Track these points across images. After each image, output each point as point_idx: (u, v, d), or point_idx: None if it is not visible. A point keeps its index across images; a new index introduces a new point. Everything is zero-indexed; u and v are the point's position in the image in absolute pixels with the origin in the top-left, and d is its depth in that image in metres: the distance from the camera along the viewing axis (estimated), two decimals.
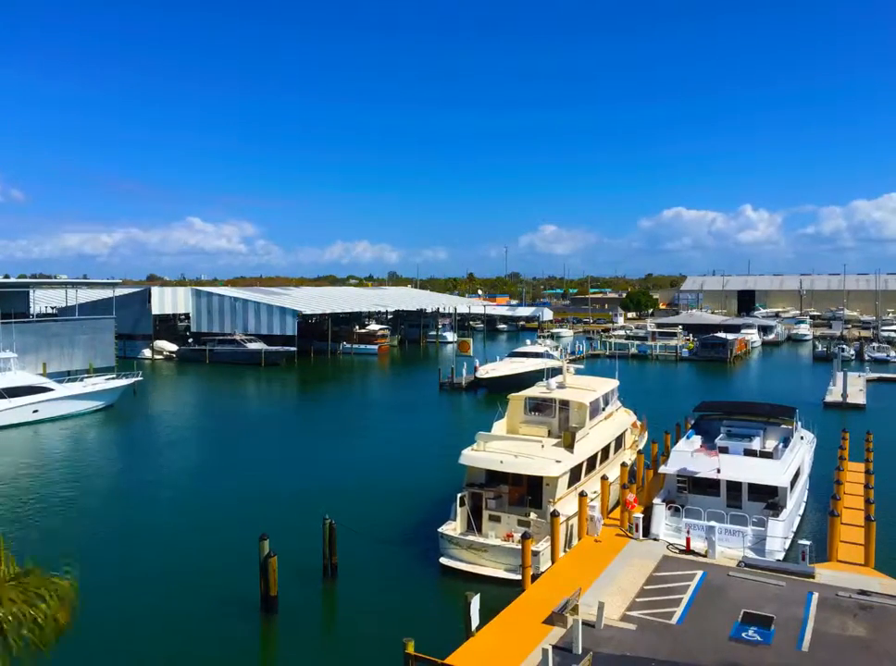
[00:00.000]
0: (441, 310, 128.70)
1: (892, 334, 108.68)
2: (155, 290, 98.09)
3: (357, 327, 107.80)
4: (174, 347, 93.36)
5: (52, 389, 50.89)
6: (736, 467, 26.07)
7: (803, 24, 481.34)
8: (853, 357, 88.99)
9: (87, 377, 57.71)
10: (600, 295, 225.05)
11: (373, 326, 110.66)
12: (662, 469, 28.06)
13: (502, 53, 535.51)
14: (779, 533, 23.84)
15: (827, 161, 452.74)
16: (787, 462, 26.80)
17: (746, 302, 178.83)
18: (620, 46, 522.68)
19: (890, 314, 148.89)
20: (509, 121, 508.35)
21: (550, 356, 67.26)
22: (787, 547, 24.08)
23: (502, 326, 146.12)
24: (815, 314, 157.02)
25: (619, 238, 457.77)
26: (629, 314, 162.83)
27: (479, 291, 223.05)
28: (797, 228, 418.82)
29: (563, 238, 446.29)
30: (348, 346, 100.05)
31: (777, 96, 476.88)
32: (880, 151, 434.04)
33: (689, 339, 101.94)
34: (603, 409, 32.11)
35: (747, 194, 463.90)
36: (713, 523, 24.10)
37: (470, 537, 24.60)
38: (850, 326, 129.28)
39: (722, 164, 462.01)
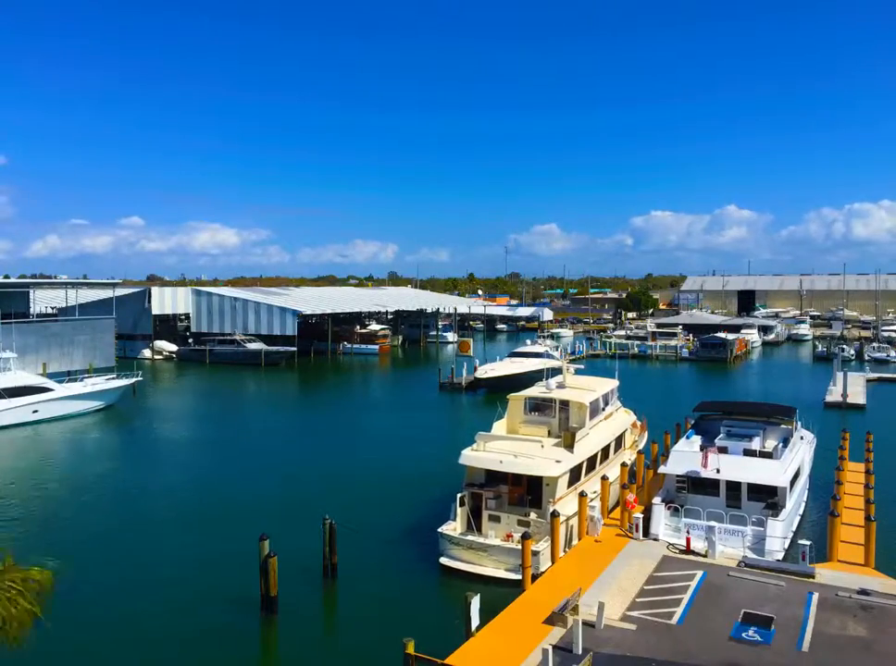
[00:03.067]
0: (441, 310, 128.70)
1: (892, 334, 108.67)
2: (155, 290, 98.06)
3: (358, 328, 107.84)
4: (174, 347, 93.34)
5: (52, 390, 50.88)
6: (736, 467, 26.05)
7: (796, 29, 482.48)
8: (853, 357, 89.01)
9: (87, 377, 57.70)
10: (600, 295, 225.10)
11: (374, 327, 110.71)
12: (662, 469, 28.05)
13: (501, 56, 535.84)
14: (779, 533, 23.83)
15: (806, 166, 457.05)
16: (787, 462, 26.79)
17: (746, 301, 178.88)
18: (615, 52, 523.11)
19: (890, 314, 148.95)
20: (508, 123, 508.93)
21: (550, 356, 67.30)
22: (787, 547, 24.07)
23: (502, 326, 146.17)
24: (815, 313, 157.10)
25: (608, 238, 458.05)
26: (629, 315, 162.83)
27: (479, 291, 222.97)
28: (777, 230, 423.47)
29: (555, 238, 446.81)
30: (348, 346, 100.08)
31: (755, 104, 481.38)
32: (850, 159, 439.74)
33: (689, 340, 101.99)
34: (603, 409, 32.10)
35: (728, 197, 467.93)
36: (712, 523, 24.09)
37: (470, 537, 24.60)
38: (850, 326, 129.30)
39: (705, 168, 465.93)
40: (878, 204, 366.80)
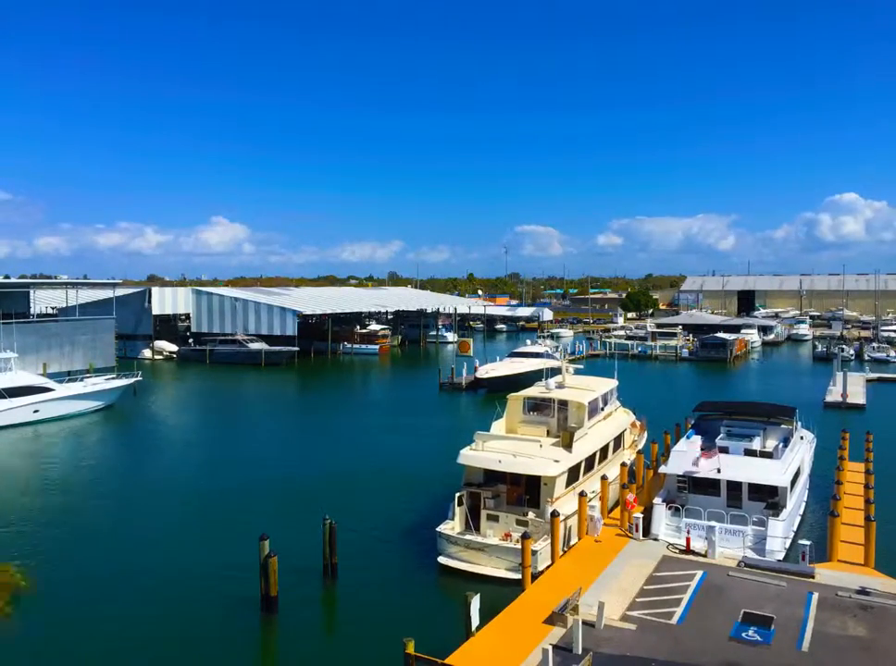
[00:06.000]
0: (441, 310, 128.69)
1: (892, 334, 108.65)
2: (155, 291, 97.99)
3: (358, 328, 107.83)
4: (174, 347, 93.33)
5: (52, 389, 50.86)
6: (736, 467, 26.04)
7: (793, 30, 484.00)
8: (853, 357, 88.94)
9: (87, 377, 57.69)
10: (600, 295, 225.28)
11: (374, 327, 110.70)
12: (662, 469, 28.05)
13: (499, 58, 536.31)
14: (780, 533, 23.82)
15: (785, 169, 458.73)
16: (787, 462, 26.78)
17: (746, 302, 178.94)
18: (614, 54, 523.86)
19: (890, 314, 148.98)
20: (508, 125, 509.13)
21: (550, 356, 67.25)
22: (787, 547, 24.06)
23: (501, 326, 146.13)
24: (815, 314, 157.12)
25: (605, 239, 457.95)
26: (629, 315, 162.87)
27: (479, 292, 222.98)
28: (760, 231, 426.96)
29: (555, 239, 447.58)
30: (348, 346, 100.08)
31: (732, 108, 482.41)
32: (824, 163, 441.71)
33: (689, 340, 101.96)
34: (602, 409, 32.09)
35: (719, 200, 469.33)
36: (713, 523, 24.08)
37: (469, 537, 24.59)
38: (850, 326, 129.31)
39: (700, 171, 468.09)
40: (872, 205, 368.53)
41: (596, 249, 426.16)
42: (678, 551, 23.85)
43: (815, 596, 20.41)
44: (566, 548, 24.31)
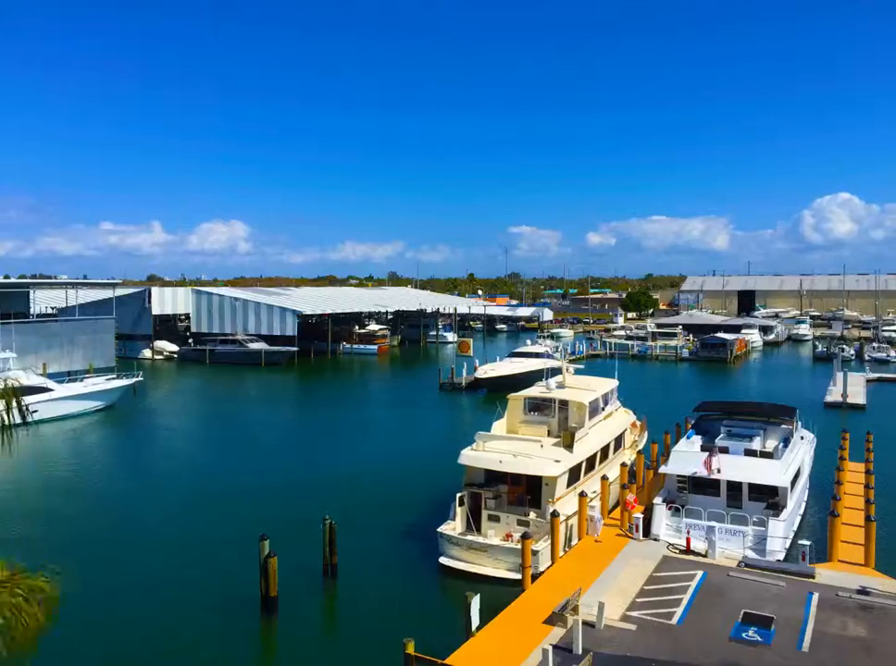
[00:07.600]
0: (441, 310, 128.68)
1: (892, 334, 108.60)
2: (155, 291, 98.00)
3: (357, 328, 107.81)
4: (174, 347, 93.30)
5: (52, 389, 50.83)
6: (736, 467, 26.03)
7: (786, 35, 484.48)
8: (853, 357, 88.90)
9: (87, 377, 57.67)
10: (600, 295, 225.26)
11: (373, 327, 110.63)
12: (662, 469, 28.03)
13: (499, 60, 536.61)
14: (780, 533, 23.81)
15: (782, 170, 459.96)
16: (787, 462, 26.77)
17: (746, 302, 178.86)
18: (614, 54, 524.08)
19: (890, 314, 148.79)
20: (508, 125, 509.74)
21: (550, 356, 67.21)
22: (787, 547, 24.06)
23: (501, 326, 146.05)
24: (815, 313, 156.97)
25: (602, 239, 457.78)
26: (629, 315, 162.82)
27: (479, 292, 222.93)
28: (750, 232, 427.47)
29: (555, 240, 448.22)
30: (348, 346, 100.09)
31: (722, 111, 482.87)
32: (803, 167, 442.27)
33: (689, 340, 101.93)
34: (603, 409, 32.07)
35: (705, 202, 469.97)
36: (713, 523, 24.09)
37: (470, 537, 24.59)
38: (850, 326, 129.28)
39: (698, 171, 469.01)
40: (869, 207, 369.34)
41: (591, 249, 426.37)
42: (678, 551, 23.84)
43: (816, 596, 20.40)
44: (566, 549, 24.31)
